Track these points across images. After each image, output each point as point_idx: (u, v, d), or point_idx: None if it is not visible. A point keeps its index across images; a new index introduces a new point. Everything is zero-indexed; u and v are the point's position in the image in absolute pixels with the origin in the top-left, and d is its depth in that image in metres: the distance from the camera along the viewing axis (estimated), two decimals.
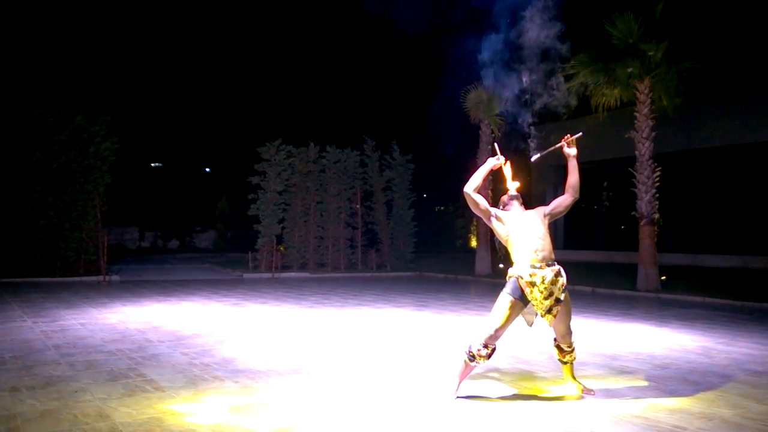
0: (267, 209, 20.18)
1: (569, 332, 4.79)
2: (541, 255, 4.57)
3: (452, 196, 33.54)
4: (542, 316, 4.54)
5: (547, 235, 4.69)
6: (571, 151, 5.00)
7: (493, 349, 4.59)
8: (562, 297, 4.55)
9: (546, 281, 4.50)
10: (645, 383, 5.32)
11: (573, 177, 4.94)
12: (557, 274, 4.56)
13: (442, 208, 35.80)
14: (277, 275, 18.65)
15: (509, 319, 4.55)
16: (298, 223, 20.79)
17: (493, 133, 19.24)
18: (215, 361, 6.01)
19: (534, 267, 4.53)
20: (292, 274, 19.23)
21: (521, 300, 4.54)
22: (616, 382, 5.36)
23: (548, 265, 4.56)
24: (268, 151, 20.27)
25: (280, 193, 20.37)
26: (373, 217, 22.26)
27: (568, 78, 14.98)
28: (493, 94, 18.79)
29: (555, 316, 4.56)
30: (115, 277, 16.35)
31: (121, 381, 5.16)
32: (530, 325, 4.79)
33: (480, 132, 19.35)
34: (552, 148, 5.17)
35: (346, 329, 8.32)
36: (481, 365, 4.65)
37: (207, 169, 45.10)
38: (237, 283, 15.99)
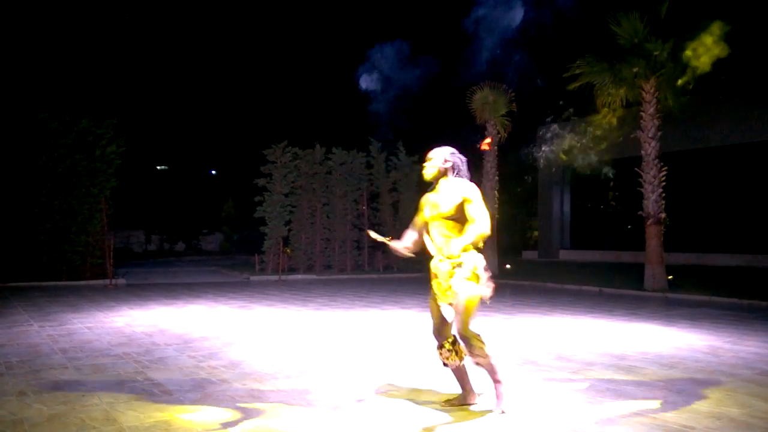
0: (273, 211, 20.18)
1: (452, 326, 4.49)
2: (446, 251, 4.44)
3: None
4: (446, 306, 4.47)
5: (454, 228, 4.47)
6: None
7: (439, 345, 4.53)
8: (457, 290, 4.35)
9: (440, 275, 4.43)
10: (652, 382, 5.30)
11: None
12: (456, 267, 4.39)
13: None
14: (283, 277, 18.66)
15: (432, 311, 4.55)
16: (304, 225, 20.79)
17: (499, 133, 19.22)
18: (222, 364, 6.02)
19: (437, 260, 4.49)
20: (299, 277, 19.24)
21: (432, 290, 4.54)
22: (623, 381, 5.34)
23: (450, 259, 4.42)
24: (274, 153, 20.27)
25: (286, 195, 20.38)
26: (380, 219, 22.24)
27: (573, 78, 15.00)
28: (499, 95, 18.80)
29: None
30: (121, 281, 16.39)
31: (128, 384, 5.17)
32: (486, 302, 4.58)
33: (486, 133, 19.32)
34: None
35: (353, 331, 8.32)
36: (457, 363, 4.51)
37: (213, 172, 45.21)
38: (244, 286, 16.00)
